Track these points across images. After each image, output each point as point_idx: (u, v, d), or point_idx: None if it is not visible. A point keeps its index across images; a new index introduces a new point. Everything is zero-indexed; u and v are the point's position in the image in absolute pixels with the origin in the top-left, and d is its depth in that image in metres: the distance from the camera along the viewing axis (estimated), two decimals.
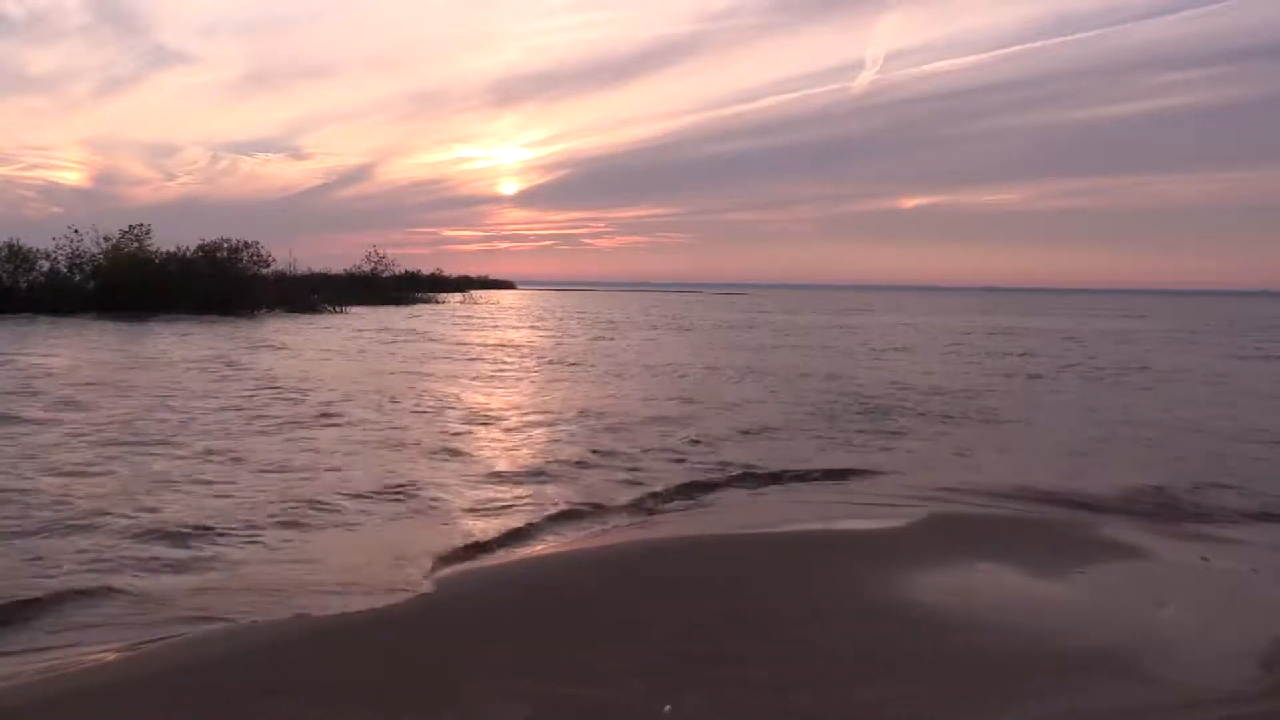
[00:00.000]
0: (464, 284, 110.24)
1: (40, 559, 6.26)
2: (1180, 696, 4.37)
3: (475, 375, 19.72)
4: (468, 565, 6.46)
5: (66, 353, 21.71)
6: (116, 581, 5.82)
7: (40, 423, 11.72)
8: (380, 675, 4.47)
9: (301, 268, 57.25)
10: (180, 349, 23.60)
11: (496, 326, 41.58)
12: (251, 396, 14.83)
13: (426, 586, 5.91)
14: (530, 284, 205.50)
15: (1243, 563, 6.69)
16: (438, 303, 71.27)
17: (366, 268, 71.15)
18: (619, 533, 7.44)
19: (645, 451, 10.81)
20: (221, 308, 41.13)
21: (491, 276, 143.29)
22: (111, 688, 4.36)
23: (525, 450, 10.91)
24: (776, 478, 9.59)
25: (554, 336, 34.63)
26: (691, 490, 8.97)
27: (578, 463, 10.16)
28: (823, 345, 31.23)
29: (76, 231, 41.85)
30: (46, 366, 18.45)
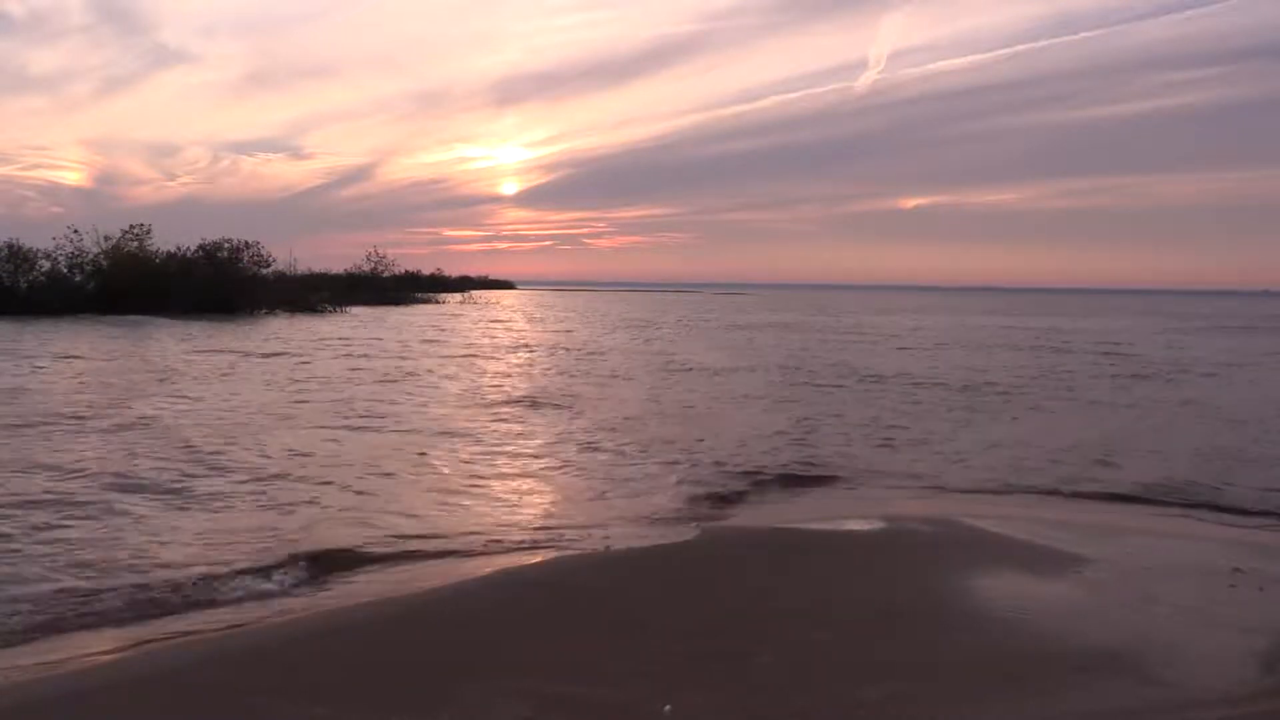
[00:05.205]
0: (464, 284, 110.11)
1: None
2: (1180, 696, 4.36)
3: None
4: (469, 564, 6.47)
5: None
6: None
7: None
8: (381, 675, 4.46)
9: (301, 268, 57.43)
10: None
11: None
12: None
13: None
14: (531, 284, 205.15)
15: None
16: (438, 303, 71.14)
17: (367, 268, 71.25)
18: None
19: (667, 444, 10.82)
20: (222, 308, 41.12)
21: (492, 276, 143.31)
22: (112, 688, 4.35)
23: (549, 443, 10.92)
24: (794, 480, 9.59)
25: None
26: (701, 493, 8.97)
27: (598, 459, 10.23)
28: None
29: (76, 231, 41.85)
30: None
